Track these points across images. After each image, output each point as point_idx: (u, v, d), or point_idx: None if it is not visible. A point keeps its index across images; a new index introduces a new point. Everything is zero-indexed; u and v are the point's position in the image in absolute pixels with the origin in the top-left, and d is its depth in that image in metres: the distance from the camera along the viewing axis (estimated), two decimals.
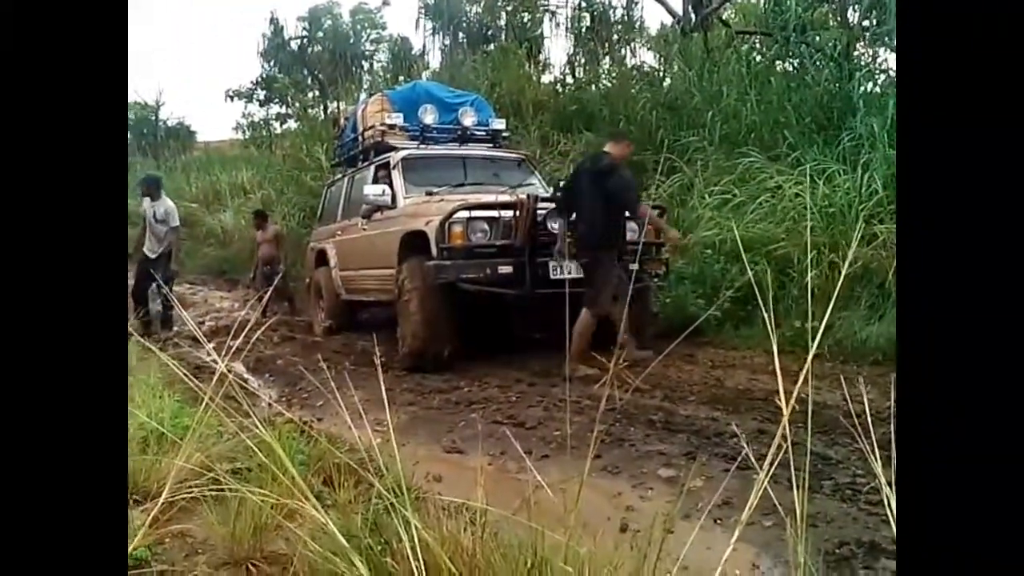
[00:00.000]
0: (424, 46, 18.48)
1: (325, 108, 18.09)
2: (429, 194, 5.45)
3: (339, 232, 6.69)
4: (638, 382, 3.55)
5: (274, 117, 22.76)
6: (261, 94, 22.67)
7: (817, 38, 8.16)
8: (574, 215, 4.56)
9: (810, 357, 1.11)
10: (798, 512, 1.07)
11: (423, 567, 1.19)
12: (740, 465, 2.48)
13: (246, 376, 4.62)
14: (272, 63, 22.42)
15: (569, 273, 4.51)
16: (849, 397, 2.45)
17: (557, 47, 24.09)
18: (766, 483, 1.05)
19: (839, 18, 8.60)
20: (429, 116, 6.33)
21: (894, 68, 7.42)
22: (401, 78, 14.49)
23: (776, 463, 1.09)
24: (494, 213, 4.72)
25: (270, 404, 3.31)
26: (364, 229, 5.98)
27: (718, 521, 2.01)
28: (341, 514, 1.55)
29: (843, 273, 2.60)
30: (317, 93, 21.25)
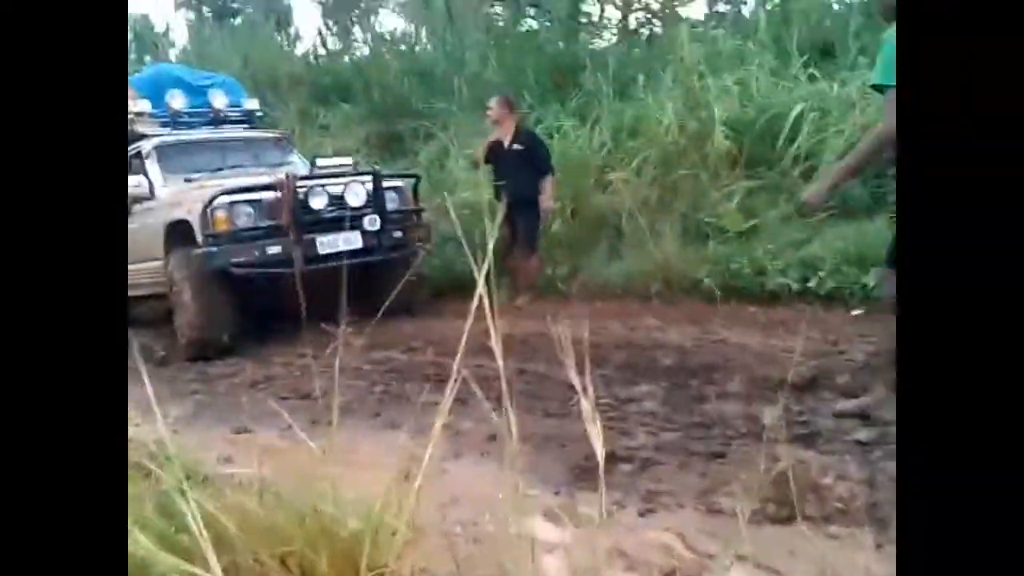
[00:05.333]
0: (167, 23, 20.47)
1: None
2: (188, 181, 6.25)
3: None
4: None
5: None
6: None
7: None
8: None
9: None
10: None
11: (208, 535, 1.48)
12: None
13: None
14: None
15: (337, 247, 5.52)
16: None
17: (305, 17, 25.16)
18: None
19: None
20: (177, 101, 7.07)
21: (618, 22, 9.84)
22: (147, 58, 15.73)
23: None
24: (256, 195, 5.58)
25: None
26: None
27: (484, 454, 2.67)
28: (135, 506, 1.85)
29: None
30: None
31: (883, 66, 2.60)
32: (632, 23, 9.99)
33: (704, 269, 5.26)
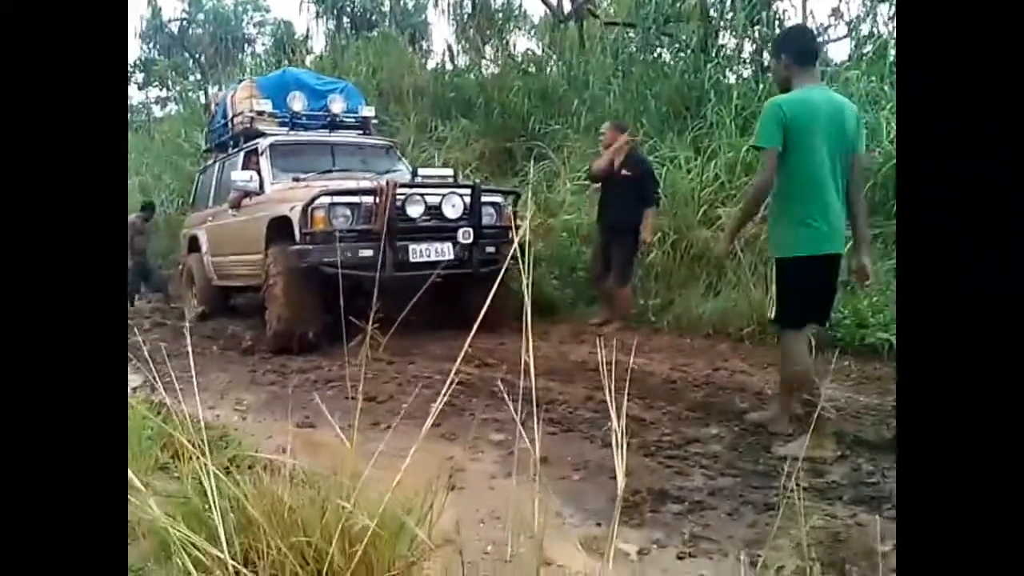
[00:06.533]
0: (308, 30, 20.89)
1: (206, 92, 19.57)
2: (296, 180, 6.53)
3: (210, 218, 7.93)
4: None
5: (153, 100, 25.62)
6: (139, 77, 25.37)
7: (678, 30, 10.03)
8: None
9: None
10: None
11: (238, 518, 1.70)
12: (564, 428, 3.66)
13: None
14: (151, 45, 25.16)
15: (429, 256, 5.74)
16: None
17: (440, 34, 25.18)
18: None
19: (700, 10, 9.75)
20: (297, 103, 7.53)
21: (750, 58, 9.70)
22: (284, 62, 16.05)
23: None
24: (356, 199, 5.80)
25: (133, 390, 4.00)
26: (233, 215, 7.09)
27: (536, 476, 2.44)
28: (183, 482, 2.04)
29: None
30: (198, 76, 23.03)
31: (758, 129, 3.19)
32: (766, 59, 9.79)
33: None
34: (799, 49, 3.23)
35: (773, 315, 3.30)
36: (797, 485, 2.19)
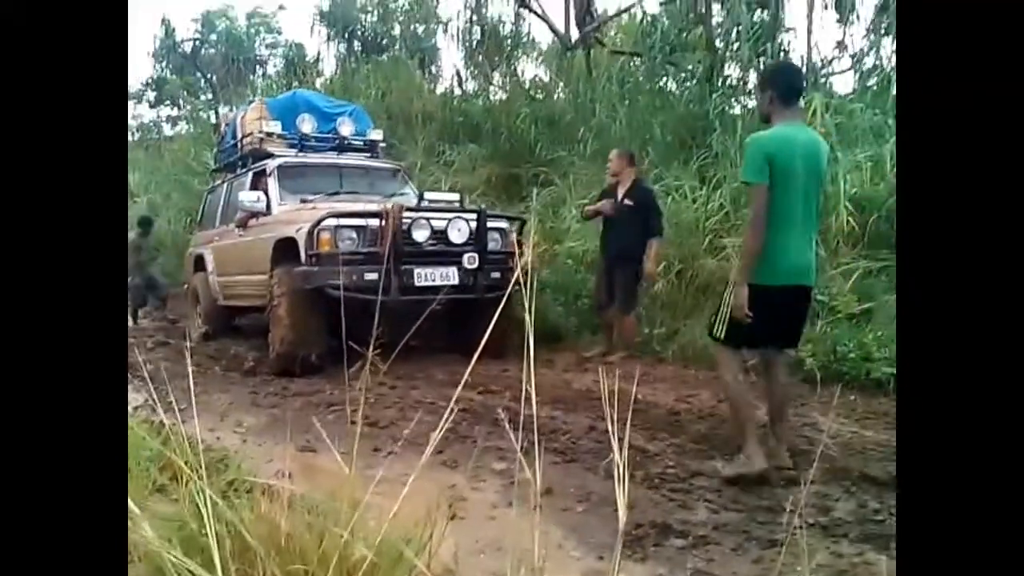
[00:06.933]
0: (319, 53, 21.48)
1: (216, 112, 19.84)
2: (304, 202, 6.61)
3: (217, 238, 7.96)
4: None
5: (164, 119, 26.05)
6: (151, 95, 25.76)
7: (684, 60, 10.04)
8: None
9: None
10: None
11: (234, 544, 1.64)
12: (568, 458, 3.61)
13: None
14: (164, 64, 25.54)
15: (434, 280, 5.75)
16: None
17: (449, 59, 25.99)
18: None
19: (706, 41, 9.81)
20: (307, 125, 7.57)
21: (755, 89, 8.96)
22: (295, 84, 16.33)
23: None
24: (362, 221, 5.83)
25: (134, 409, 4.02)
26: (240, 235, 7.13)
27: (538, 507, 2.33)
28: (181, 505, 2.00)
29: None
30: (209, 96, 23.56)
31: (745, 165, 3.19)
32: None
33: (808, 348, 5.03)
34: (786, 86, 3.29)
35: (720, 333, 3.34)
36: (802, 522, 2.15)
